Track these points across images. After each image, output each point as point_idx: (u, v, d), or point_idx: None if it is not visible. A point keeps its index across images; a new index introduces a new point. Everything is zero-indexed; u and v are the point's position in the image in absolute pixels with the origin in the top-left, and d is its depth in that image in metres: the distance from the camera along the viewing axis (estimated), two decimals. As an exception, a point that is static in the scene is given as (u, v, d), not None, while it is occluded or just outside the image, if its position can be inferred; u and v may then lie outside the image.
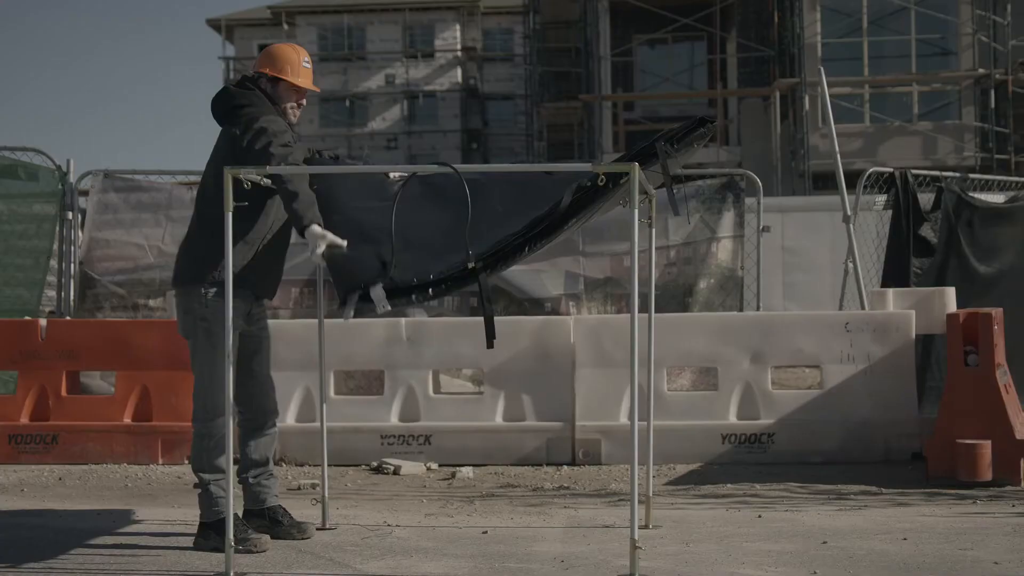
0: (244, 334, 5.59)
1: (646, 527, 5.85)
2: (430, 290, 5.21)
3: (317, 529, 5.87)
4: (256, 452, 5.71)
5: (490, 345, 5.19)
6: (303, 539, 5.66)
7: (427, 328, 8.51)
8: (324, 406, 6.23)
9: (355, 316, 5.26)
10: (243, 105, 5.49)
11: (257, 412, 5.72)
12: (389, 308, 5.19)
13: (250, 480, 5.72)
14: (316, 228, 5.06)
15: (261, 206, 5.46)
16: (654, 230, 6.06)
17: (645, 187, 5.45)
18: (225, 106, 5.55)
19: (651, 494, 6.01)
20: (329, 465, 6.22)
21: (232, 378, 5.12)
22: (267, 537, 5.49)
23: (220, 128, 5.60)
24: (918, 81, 29.44)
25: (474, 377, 9.27)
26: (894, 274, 9.31)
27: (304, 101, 5.69)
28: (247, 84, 5.65)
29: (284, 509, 5.79)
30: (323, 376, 6.30)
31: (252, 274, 5.50)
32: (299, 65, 5.62)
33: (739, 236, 10.01)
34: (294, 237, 5.48)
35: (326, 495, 6.06)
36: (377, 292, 5.16)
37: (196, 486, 5.51)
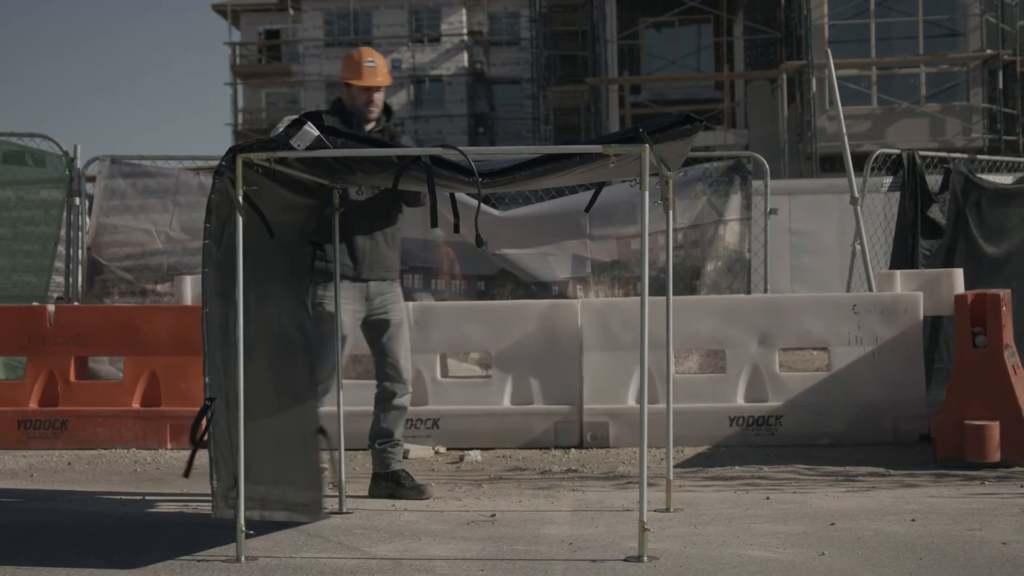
0: (367, 316, 6.26)
1: (666, 510, 5.86)
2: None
3: (333, 514, 5.88)
4: (384, 422, 6.37)
5: (433, 224, 5.34)
6: (422, 499, 6.24)
7: (434, 312, 8.52)
8: (340, 392, 6.21)
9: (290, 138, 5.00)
10: None
11: (383, 387, 6.39)
12: (301, 147, 5.00)
13: (376, 446, 6.39)
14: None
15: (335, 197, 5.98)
16: (671, 212, 6.00)
17: (659, 169, 5.42)
18: None
19: (671, 476, 5.98)
20: (338, 449, 6.22)
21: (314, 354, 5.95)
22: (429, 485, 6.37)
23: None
24: (926, 62, 29.34)
25: (482, 361, 9.27)
26: (903, 256, 9.29)
27: (376, 96, 6.22)
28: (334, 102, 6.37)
29: (407, 473, 6.43)
30: (339, 361, 6.28)
31: (349, 261, 6.14)
32: (362, 66, 6.22)
33: (746, 219, 9.96)
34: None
35: (343, 479, 6.06)
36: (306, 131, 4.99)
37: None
